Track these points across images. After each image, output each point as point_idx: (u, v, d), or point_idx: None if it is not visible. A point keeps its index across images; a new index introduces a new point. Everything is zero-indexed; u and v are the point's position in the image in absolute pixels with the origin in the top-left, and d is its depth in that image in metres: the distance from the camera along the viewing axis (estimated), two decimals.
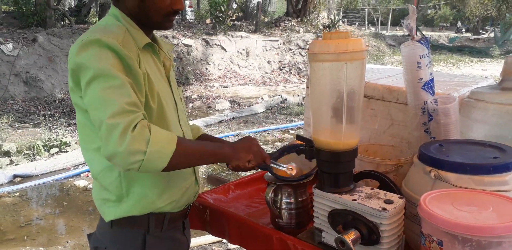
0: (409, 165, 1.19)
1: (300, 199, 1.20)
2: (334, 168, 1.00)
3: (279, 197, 1.20)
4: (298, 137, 1.13)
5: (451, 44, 22.97)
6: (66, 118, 6.19)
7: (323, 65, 0.95)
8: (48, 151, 4.96)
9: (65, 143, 5.10)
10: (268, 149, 5.07)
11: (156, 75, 1.12)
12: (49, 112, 6.40)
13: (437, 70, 12.80)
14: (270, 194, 1.17)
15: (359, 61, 0.93)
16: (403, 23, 1.24)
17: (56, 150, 5.00)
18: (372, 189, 1.01)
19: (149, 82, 1.07)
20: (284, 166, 1.14)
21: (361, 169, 1.25)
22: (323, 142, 1.00)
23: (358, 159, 1.30)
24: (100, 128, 0.95)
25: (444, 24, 38.48)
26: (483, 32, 30.62)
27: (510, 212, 0.80)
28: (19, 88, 7.18)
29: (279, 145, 5.34)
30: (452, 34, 28.55)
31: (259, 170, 1.19)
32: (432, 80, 1.26)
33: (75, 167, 4.70)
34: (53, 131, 5.56)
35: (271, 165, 1.13)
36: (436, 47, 20.24)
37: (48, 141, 5.04)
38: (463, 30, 33.69)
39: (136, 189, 1.12)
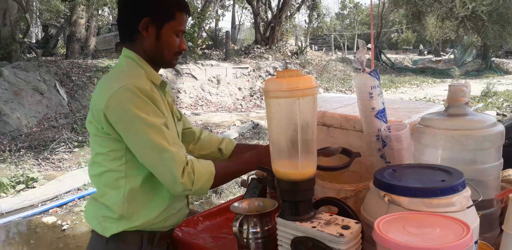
0: (367, 189, 1.24)
1: (266, 228, 1.23)
2: (293, 196, 1.04)
3: (246, 227, 1.22)
4: (259, 167, 1.18)
5: (414, 66, 23.96)
6: (33, 153, 6.04)
7: (278, 101, 1.01)
8: (14, 188, 4.81)
9: (32, 179, 4.96)
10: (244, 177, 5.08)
11: (166, 111, 1.27)
12: (15, 147, 6.23)
13: (402, 92, 13.28)
14: (236, 225, 1.19)
15: (310, 96, 1.00)
16: (354, 56, 1.34)
17: (23, 186, 4.85)
18: (331, 215, 1.06)
19: None
20: None
21: (324, 195, 1.30)
22: (282, 172, 1.05)
23: (320, 186, 1.37)
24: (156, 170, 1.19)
25: (407, 47, 40.27)
26: (444, 53, 32.20)
27: (454, 232, 0.86)
28: None
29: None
30: (415, 57, 29.86)
31: None
32: (384, 109, 1.34)
33: (43, 203, 4.56)
34: (20, 166, 5.41)
35: None
36: (401, 70, 21.07)
37: (14, 177, 4.90)
38: (425, 52, 35.33)
39: (138, 209, 1.25)
